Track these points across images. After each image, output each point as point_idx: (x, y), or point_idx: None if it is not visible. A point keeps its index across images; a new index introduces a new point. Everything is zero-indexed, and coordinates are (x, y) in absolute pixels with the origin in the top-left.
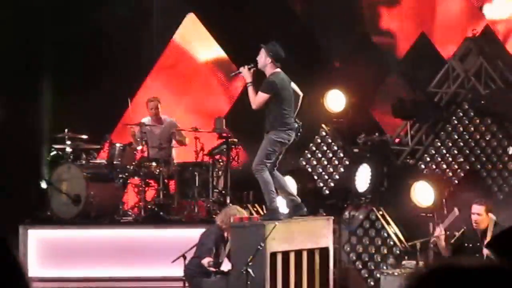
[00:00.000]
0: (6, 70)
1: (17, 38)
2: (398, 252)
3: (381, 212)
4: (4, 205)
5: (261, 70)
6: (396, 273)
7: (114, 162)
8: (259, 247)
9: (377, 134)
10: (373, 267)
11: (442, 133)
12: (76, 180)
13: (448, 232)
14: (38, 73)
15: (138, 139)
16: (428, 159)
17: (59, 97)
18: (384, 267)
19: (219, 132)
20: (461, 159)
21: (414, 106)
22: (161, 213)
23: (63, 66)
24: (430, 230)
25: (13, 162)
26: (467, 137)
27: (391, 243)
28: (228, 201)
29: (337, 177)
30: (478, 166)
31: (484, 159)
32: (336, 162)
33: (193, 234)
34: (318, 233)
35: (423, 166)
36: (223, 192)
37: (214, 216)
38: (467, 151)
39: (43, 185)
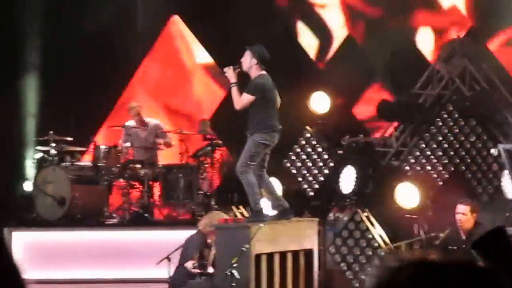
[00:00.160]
0: None
1: (0, 39)
2: (383, 253)
3: (366, 214)
4: None
5: (246, 72)
6: None
7: (99, 164)
8: (243, 248)
9: (361, 135)
10: (358, 269)
11: (426, 134)
12: (61, 182)
13: (432, 234)
14: (22, 75)
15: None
16: (412, 160)
17: (44, 100)
18: (369, 269)
19: (203, 134)
20: (446, 161)
21: (398, 108)
22: (146, 215)
23: (47, 69)
24: (415, 232)
25: None
26: (451, 138)
27: (376, 244)
28: (212, 203)
29: (321, 178)
30: (463, 168)
31: (468, 160)
32: (321, 164)
33: (178, 236)
34: (303, 234)
35: (407, 168)
36: (208, 194)
37: (199, 218)
38: (452, 153)
39: (28, 187)
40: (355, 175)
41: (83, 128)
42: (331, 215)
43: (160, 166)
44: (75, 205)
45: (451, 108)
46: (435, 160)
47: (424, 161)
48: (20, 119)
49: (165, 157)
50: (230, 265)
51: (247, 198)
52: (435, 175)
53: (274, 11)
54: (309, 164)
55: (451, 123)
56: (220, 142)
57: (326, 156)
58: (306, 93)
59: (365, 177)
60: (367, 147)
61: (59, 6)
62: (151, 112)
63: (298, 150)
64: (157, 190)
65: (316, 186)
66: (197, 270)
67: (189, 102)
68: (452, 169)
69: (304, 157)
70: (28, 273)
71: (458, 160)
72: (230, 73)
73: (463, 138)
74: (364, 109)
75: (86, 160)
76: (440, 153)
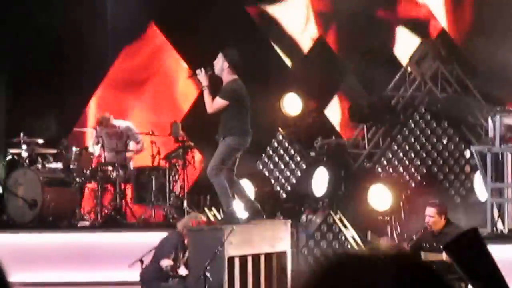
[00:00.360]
0: None
1: None
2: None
3: (338, 216)
4: None
5: (218, 75)
6: None
7: (71, 166)
8: (216, 251)
9: (333, 137)
10: None
11: (399, 136)
12: (33, 185)
13: (405, 235)
14: None
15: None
16: (385, 162)
17: (15, 101)
18: None
19: (175, 136)
20: (418, 163)
21: (370, 110)
22: (118, 217)
23: (18, 70)
24: (388, 233)
25: None
26: (424, 140)
27: (349, 246)
28: (185, 205)
29: (294, 180)
30: (435, 170)
31: (441, 162)
32: (293, 166)
33: (150, 238)
34: (276, 237)
35: (380, 170)
36: (180, 196)
37: (171, 220)
38: (424, 155)
39: None
40: (328, 177)
41: (54, 130)
42: (303, 217)
43: (132, 168)
44: (46, 207)
45: (423, 110)
46: (407, 162)
47: (396, 163)
48: None
49: (137, 159)
50: (203, 268)
51: (219, 200)
52: (407, 177)
53: (247, 16)
54: (282, 166)
55: (424, 125)
56: (191, 144)
57: (298, 158)
58: (278, 95)
59: (338, 179)
60: (339, 149)
61: (31, 8)
62: (122, 113)
63: (271, 152)
64: (129, 192)
65: (289, 188)
66: (170, 272)
67: (160, 105)
68: (425, 171)
69: (276, 159)
70: None
71: (430, 162)
72: (202, 75)
73: (435, 140)
74: (336, 111)
75: (57, 162)
76: (413, 155)
